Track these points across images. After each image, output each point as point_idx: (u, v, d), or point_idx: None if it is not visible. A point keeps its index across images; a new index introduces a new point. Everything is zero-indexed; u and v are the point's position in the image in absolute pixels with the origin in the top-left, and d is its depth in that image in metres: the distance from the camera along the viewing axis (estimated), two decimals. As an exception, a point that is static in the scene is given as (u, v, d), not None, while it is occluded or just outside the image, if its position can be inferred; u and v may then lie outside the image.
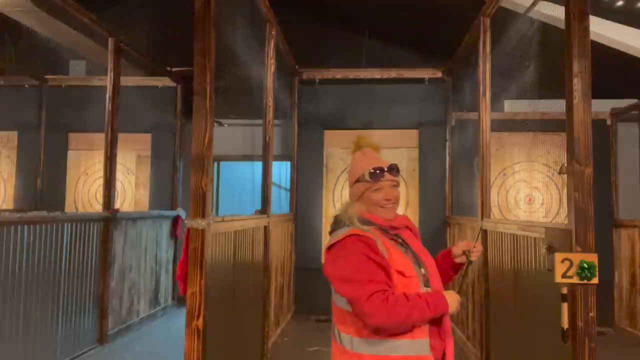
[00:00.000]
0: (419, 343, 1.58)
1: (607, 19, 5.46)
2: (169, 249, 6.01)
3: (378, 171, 1.74)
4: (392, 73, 6.02)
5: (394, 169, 1.78)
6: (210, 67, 2.45)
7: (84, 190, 6.54)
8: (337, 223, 1.75)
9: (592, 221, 2.19)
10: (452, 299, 1.62)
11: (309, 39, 6.96)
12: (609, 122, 5.90)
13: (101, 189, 4.97)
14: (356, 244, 1.61)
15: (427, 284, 1.66)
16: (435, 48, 6.83)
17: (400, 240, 1.74)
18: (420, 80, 6.03)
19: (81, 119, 6.28)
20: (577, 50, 2.25)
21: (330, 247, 1.67)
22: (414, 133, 6.04)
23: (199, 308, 2.35)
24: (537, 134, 5.93)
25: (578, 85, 2.24)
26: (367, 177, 1.73)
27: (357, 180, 1.77)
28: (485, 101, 3.99)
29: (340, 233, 1.67)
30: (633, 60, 5.52)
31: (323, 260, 1.69)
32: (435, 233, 5.62)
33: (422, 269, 1.69)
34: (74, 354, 3.99)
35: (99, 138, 5.14)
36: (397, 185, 1.80)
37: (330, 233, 1.77)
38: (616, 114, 5.87)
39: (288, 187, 6.17)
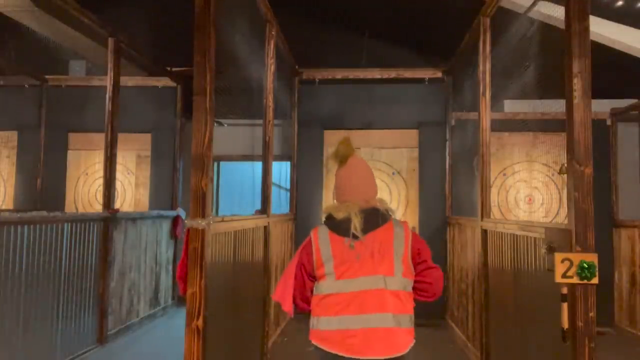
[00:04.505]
0: None
1: (607, 19, 5.47)
2: (169, 249, 6.01)
3: None
4: (392, 73, 6.02)
5: None
6: (210, 67, 2.45)
7: (84, 190, 6.54)
8: (389, 214, 2.02)
9: (592, 221, 2.19)
10: None
11: (309, 39, 6.96)
12: (609, 122, 5.90)
13: (101, 189, 4.97)
14: None
15: None
16: (435, 48, 6.83)
17: None
18: (420, 80, 6.03)
19: (81, 119, 6.29)
20: (577, 50, 2.25)
21: (412, 232, 2.02)
22: (414, 133, 6.04)
23: (199, 308, 2.35)
24: (537, 134, 5.93)
25: (578, 85, 2.24)
26: None
27: None
28: (485, 101, 3.99)
29: (398, 221, 2.04)
30: (633, 60, 5.53)
31: (403, 246, 1.95)
32: (435, 233, 5.63)
33: None
34: (74, 354, 3.99)
35: (99, 138, 5.14)
36: None
37: (372, 227, 1.94)
38: (616, 114, 5.87)
39: (288, 187, 6.17)
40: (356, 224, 1.91)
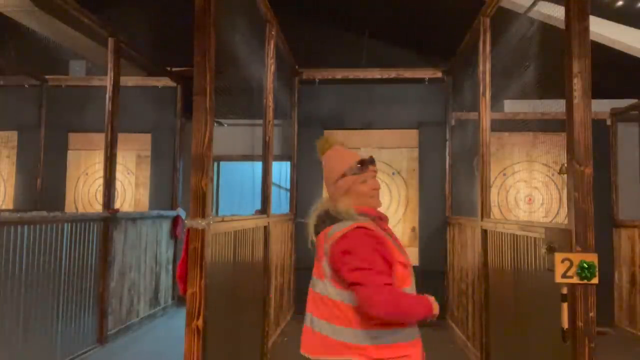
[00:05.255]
0: (410, 329, 1.69)
1: (607, 19, 5.47)
2: (169, 249, 6.01)
3: (364, 163, 1.82)
4: (392, 73, 6.02)
5: (373, 160, 1.87)
6: (210, 67, 2.45)
7: (84, 190, 6.54)
8: (330, 218, 1.77)
9: (592, 221, 2.19)
10: (435, 303, 1.71)
11: (309, 39, 6.96)
12: (609, 122, 5.90)
13: (101, 189, 4.97)
14: (366, 237, 1.66)
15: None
16: (435, 48, 6.84)
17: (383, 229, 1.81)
18: (420, 80, 6.03)
19: (81, 119, 6.29)
20: (577, 50, 2.25)
21: (337, 240, 1.67)
22: (414, 133, 6.04)
23: (199, 308, 2.35)
24: (537, 134, 5.94)
25: (578, 85, 2.24)
26: (354, 170, 1.80)
27: (344, 175, 1.82)
28: (485, 101, 3.99)
29: (344, 227, 1.69)
30: (633, 60, 5.53)
31: (327, 253, 1.72)
32: (435, 233, 5.62)
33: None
34: (74, 354, 3.99)
35: (99, 138, 5.14)
36: (376, 174, 1.89)
37: (319, 229, 1.82)
38: (616, 114, 5.87)
39: (288, 187, 6.17)
40: (309, 226, 1.90)
